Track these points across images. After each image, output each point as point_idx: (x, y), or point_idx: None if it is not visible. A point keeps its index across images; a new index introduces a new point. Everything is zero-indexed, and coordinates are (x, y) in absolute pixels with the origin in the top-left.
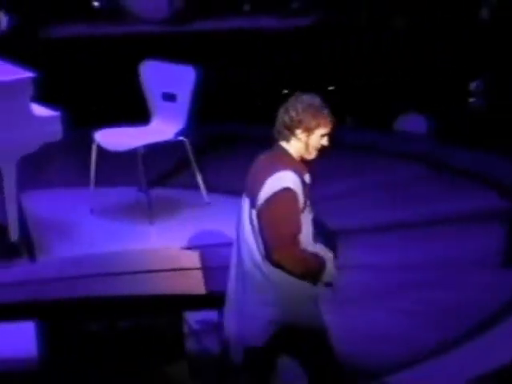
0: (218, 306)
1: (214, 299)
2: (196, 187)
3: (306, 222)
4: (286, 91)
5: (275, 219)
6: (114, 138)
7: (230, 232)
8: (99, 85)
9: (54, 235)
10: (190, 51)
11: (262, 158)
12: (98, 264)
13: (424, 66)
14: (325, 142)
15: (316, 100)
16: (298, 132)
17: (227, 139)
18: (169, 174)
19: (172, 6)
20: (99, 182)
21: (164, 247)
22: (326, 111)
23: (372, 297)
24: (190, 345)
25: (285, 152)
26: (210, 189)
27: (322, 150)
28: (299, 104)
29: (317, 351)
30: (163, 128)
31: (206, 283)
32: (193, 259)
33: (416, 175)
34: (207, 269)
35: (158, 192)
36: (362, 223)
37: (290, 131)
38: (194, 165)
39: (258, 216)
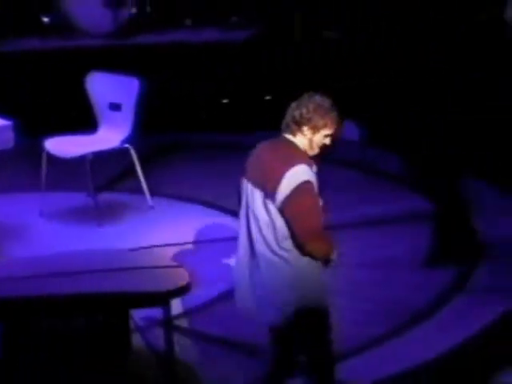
0: (162, 304)
1: (158, 297)
2: (141, 191)
3: None
4: (225, 100)
5: (303, 212)
6: (63, 146)
7: (171, 233)
8: (49, 96)
9: (7, 238)
10: (134, 63)
11: (269, 149)
12: (49, 264)
13: (354, 75)
14: (327, 141)
15: (326, 102)
16: (305, 129)
17: (170, 146)
18: (115, 179)
19: (117, 20)
20: (50, 188)
21: (111, 248)
22: (334, 113)
23: None
24: (136, 340)
25: (294, 145)
26: (154, 193)
27: (323, 149)
28: (311, 103)
29: (321, 330)
30: (109, 136)
31: (151, 282)
32: (138, 259)
33: (349, 180)
34: (151, 268)
35: (105, 196)
36: None
37: (297, 126)
38: (138, 170)
39: (282, 210)
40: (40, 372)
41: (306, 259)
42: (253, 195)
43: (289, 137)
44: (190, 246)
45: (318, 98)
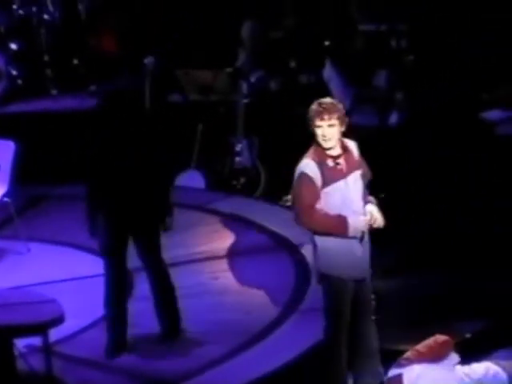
0: (40, 333)
1: (36, 328)
2: (19, 238)
3: (333, 193)
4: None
5: (295, 195)
6: None
7: (46, 272)
8: None
9: None
10: (10, 129)
11: None
12: None
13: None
14: (321, 132)
15: (316, 103)
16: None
17: (42, 197)
18: None
19: None
20: None
21: None
22: (315, 108)
23: None
24: (20, 365)
25: (314, 144)
26: (31, 239)
27: (328, 139)
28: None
29: (329, 296)
30: None
31: (30, 315)
32: (17, 296)
33: (194, 220)
34: (30, 303)
35: None
36: None
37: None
38: (16, 220)
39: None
40: None
41: (322, 236)
42: None
43: None
44: (62, 283)
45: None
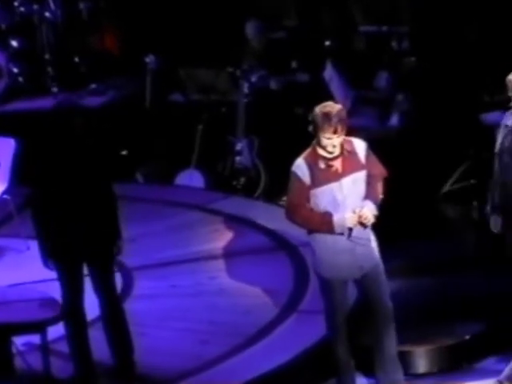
0: (39, 331)
1: (35, 325)
2: (20, 236)
3: (322, 195)
4: None
5: (287, 193)
6: None
7: (45, 270)
8: None
9: None
10: (10, 127)
11: None
12: None
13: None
14: (330, 143)
15: (320, 112)
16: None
17: None
18: None
19: None
20: None
21: None
22: (328, 122)
23: (157, 319)
24: (17, 363)
25: (312, 144)
26: (30, 236)
27: (336, 147)
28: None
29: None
30: None
31: (29, 312)
32: (17, 294)
33: (193, 220)
34: (29, 301)
35: None
36: (149, 260)
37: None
38: (16, 217)
39: None
40: None
41: (313, 234)
42: None
43: None
44: None
45: (316, 109)
